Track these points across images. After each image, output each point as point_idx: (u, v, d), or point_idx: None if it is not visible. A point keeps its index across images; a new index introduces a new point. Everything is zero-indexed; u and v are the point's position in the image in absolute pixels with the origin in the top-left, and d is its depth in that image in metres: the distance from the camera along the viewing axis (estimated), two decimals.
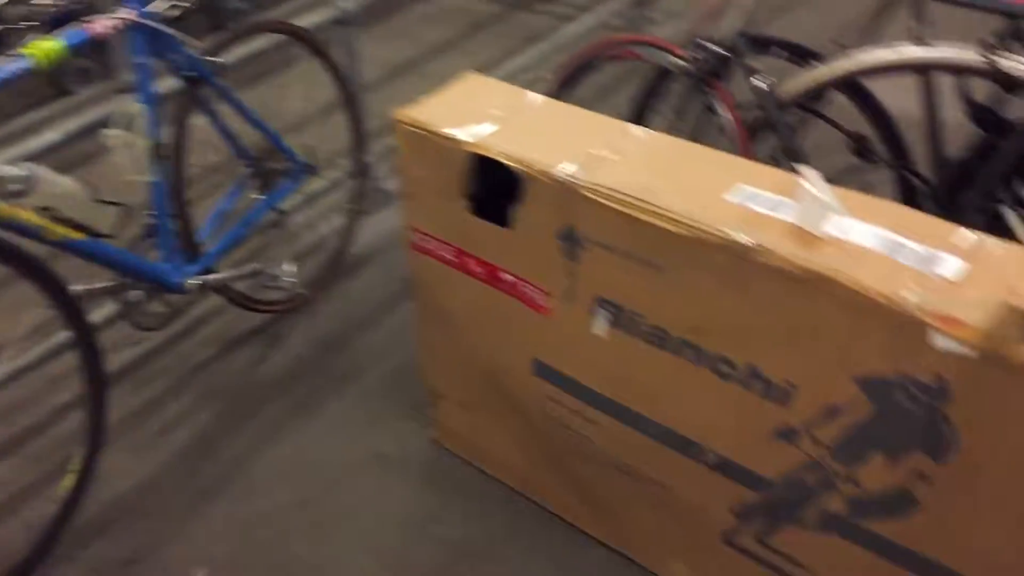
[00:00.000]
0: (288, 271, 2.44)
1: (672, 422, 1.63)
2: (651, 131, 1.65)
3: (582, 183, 1.53)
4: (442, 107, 1.76)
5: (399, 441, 2.19)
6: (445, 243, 1.80)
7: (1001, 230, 1.88)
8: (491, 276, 1.76)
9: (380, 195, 2.98)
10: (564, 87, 2.40)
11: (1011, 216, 1.86)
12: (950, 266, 1.31)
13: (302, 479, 2.11)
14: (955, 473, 1.32)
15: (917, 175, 2.07)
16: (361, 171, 2.76)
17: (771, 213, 1.42)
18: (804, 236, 1.38)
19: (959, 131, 2.04)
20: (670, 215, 1.45)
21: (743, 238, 1.38)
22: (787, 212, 1.41)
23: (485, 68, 3.68)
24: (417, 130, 1.71)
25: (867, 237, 1.36)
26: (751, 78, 2.09)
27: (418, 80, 3.64)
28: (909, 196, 2.10)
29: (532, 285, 1.70)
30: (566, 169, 1.55)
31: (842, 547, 1.51)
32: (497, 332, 1.83)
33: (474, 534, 1.97)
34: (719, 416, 1.55)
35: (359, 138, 2.73)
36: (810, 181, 1.41)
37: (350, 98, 2.65)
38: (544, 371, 1.79)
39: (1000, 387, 1.23)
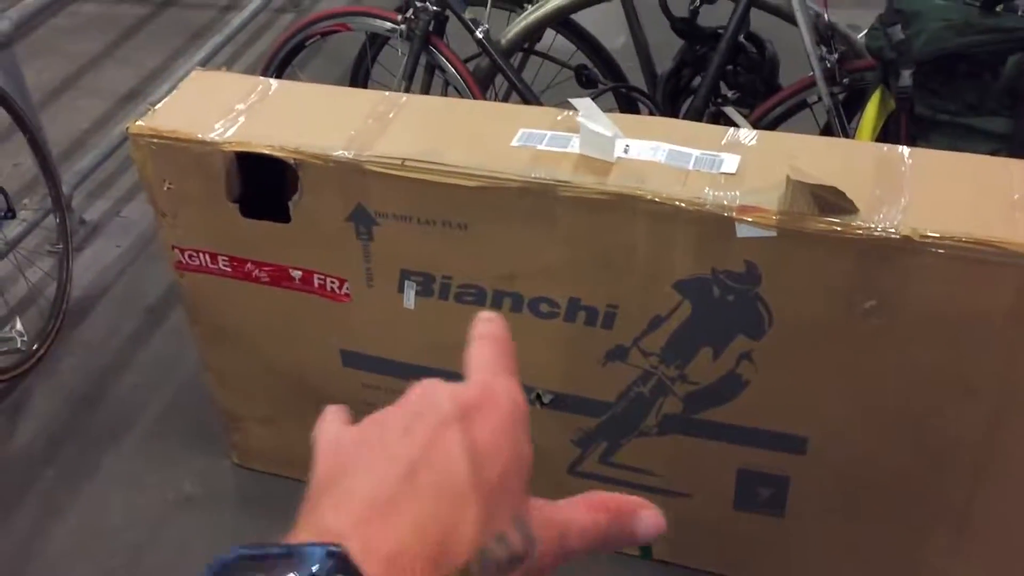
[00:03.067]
0: (18, 331, 2.16)
1: None
2: (413, 95, 1.63)
3: (365, 158, 1.48)
4: (181, 111, 1.62)
5: (200, 477, 2.03)
6: (218, 255, 1.68)
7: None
8: (278, 278, 1.67)
9: (86, 227, 2.71)
10: (278, 74, 2.30)
11: (732, 113, 2.05)
12: (729, 162, 1.42)
13: (104, 548, 1.90)
14: (772, 346, 1.45)
15: (638, 91, 2.22)
16: (59, 205, 2.49)
17: (561, 149, 1.45)
18: (597, 164, 1.43)
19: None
20: (464, 171, 1.44)
21: (543, 177, 1.41)
22: (575, 146, 1.45)
23: (157, 73, 3.45)
24: (162, 141, 1.57)
25: (652, 153, 1.44)
26: (473, 30, 2.12)
27: (86, 98, 3.32)
28: (634, 113, 2.25)
29: (327, 276, 1.63)
30: (342, 147, 1.49)
31: (681, 443, 1.61)
32: (296, 334, 1.74)
33: None
34: (548, 356, 1.58)
35: (48, 170, 2.45)
36: (587, 113, 1.46)
37: (27, 127, 2.37)
38: (355, 360, 1.73)
39: (798, 257, 1.36)
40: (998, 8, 1.67)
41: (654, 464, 1.67)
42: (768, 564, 1.72)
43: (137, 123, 1.58)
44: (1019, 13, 1.67)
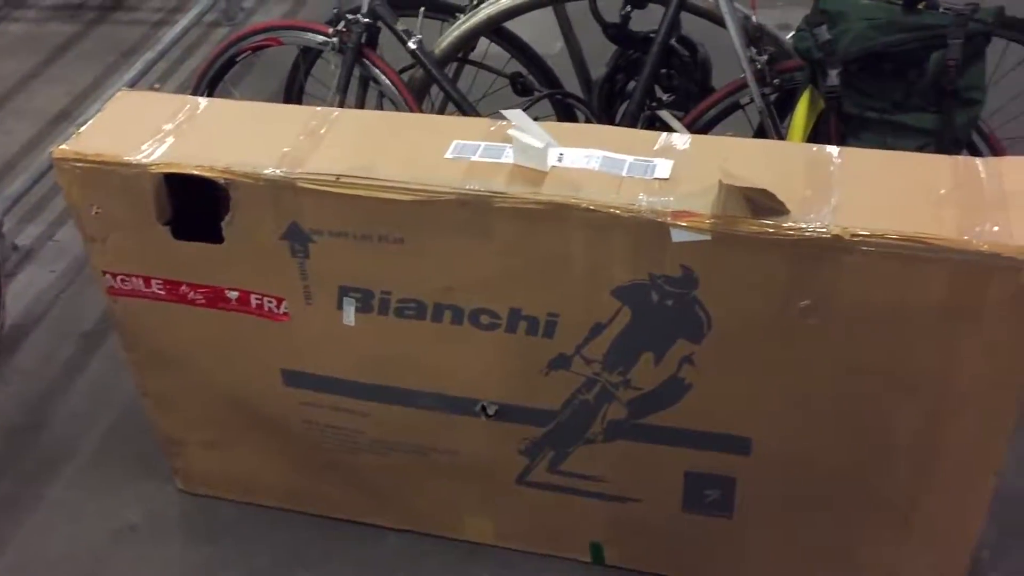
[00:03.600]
0: None
1: (444, 387, 1.63)
2: (345, 110, 1.62)
3: (297, 175, 1.46)
4: (106, 133, 1.59)
5: (144, 504, 1.99)
6: (151, 278, 1.64)
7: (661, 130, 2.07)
8: (214, 299, 1.64)
9: (18, 253, 2.65)
10: (209, 91, 2.27)
11: (667, 116, 2.06)
12: (662, 168, 1.43)
13: None
14: (712, 348, 1.45)
15: (574, 97, 2.22)
16: None
17: (495, 160, 1.45)
18: (531, 174, 1.43)
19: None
20: (399, 185, 1.43)
21: (477, 188, 1.41)
22: (509, 156, 1.45)
23: (89, 92, 3.39)
24: (87, 164, 1.53)
25: (586, 161, 1.44)
26: (406, 41, 2.10)
27: (15, 120, 3.25)
28: (570, 119, 2.25)
29: (264, 295, 1.61)
30: (273, 165, 1.47)
31: (628, 448, 1.61)
32: (234, 355, 1.71)
33: (261, 567, 1.86)
34: (491, 367, 1.58)
35: None
36: (519, 122, 1.45)
37: None
38: (296, 379, 1.71)
39: (733, 259, 1.36)
40: (920, 6, 1.70)
41: (602, 471, 1.67)
42: (718, 564, 1.73)
43: (61, 147, 1.55)
44: (940, 11, 1.71)
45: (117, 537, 1.93)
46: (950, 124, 1.70)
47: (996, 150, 1.88)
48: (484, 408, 1.62)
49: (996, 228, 1.27)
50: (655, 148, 1.47)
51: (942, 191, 1.34)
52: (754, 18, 1.98)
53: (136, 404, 1.99)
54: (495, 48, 2.28)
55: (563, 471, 1.69)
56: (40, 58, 3.64)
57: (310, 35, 2.19)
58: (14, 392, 2.26)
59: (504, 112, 1.48)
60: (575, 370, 1.54)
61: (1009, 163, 1.40)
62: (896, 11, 1.71)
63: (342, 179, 1.44)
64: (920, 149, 1.71)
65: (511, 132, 1.44)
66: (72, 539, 1.93)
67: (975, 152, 1.88)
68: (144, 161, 1.51)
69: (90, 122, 1.61)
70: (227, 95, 2.37)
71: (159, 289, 1.65)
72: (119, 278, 1.65)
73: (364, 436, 1.75)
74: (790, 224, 1.30)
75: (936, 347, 1.34)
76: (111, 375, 2.26)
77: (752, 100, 1.98)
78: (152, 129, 1.57)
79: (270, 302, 1.61)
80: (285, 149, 1.50)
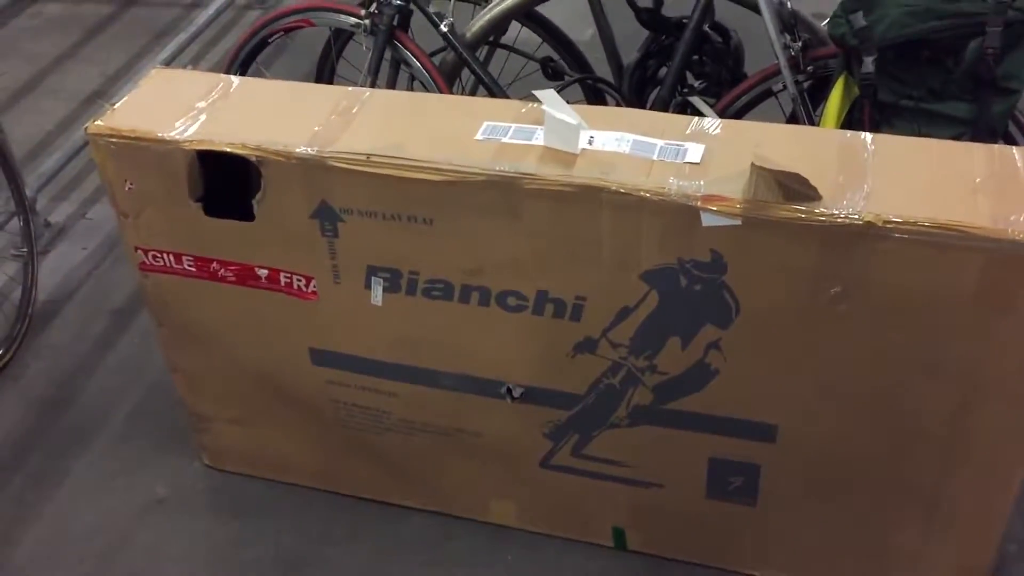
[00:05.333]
0: None
1: (470, 368, 1.64)
2: (377, 90, 1.62)
3: (328, 154, 1.47)
4: (141, 110, 1.60)
5: (171, 479, 2.01)
6: (182, 255, 1.66)
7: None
8: (244, 277, 1.65)
9: (51, 230, 2.68)
10: (241, 72, 2.28)
11: (699, 103, 2.05)
12: (693, 152, 1.42)
13: (74, 554, 1.88)
14: (739, 334, 1.45)
15: (605, 83, 2.22)
16: (23, 208, 2.46)
17: (525, 142, 1.45)
18: (561, 155, 1.42)
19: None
20: (429, 166, 1.43)
21: (507, 170, 1.41)
22: (539, 138, 1.45)
23: (121, 73, 3.42)
24: (122, 140, 1.55)
25: (617, 143, 1.44)
26: (437, 24, 2.10)
27: (49, 100, 3.28)
28: (601, 105, 2.24)
29: (293, 274, 1.62)
30: (305, 144, 1.48)
31: (652, 434, 1.61)
32: (263, 333, 1.72)
33: (288, 544, 1.88)
34: (517, 349, 1.58)
35: (11, 173, 2.42)
36: (551, 104, 1.45)
37: None
38: (323, 358, 1.72)
39: (763, 244, 1.35)
40: None
41: (626, 455, 1.67)
42: (741, 551, 1.73)
43: (96, 123, 1.56)
44: None
45: (145, 510, 1.95)
46: (986, 113, 1.68)
47: None
48: (509, 390, 1.62)
49: None
50: (686, 132, 1.46)
51: (977, 179, 1.33)
52: (789, 4, 1.97)
53: (164, 380, 2.01)
54: (526, 32, 2.28)
55: (587, 455, 1.69)
56: (74, 39, 3.67)
57: (342, 17, 2.20)
58: (45, 368, 2.29)
59: (536, 93, 1.48)
60: (601, 354, 1.54)
61: None
62: None
63: (372, 158, 1.45)
64: (955, 138, 1.69)
65: (543, 108, 1.44)
66: (100, 512, 1.96)
67: (1011, 144, 1.86)
68: (178, 138, 1.52)
69: (125, 98, 1.63)
70: (259, 76, 2.38)
71: (190, 265, 1.66)
72: (151, 254, 1.67)
73: (390, 416, 1.76)
74: (822, 210, 1.29)
75: (967, 336, 1.33)
76: (140, 352, 2.29)
77: (785, 87, 1.97)
78: (186, 106, 1.58)
79: (299, 280, 1.62)
80: (317, 128, 1.51)
